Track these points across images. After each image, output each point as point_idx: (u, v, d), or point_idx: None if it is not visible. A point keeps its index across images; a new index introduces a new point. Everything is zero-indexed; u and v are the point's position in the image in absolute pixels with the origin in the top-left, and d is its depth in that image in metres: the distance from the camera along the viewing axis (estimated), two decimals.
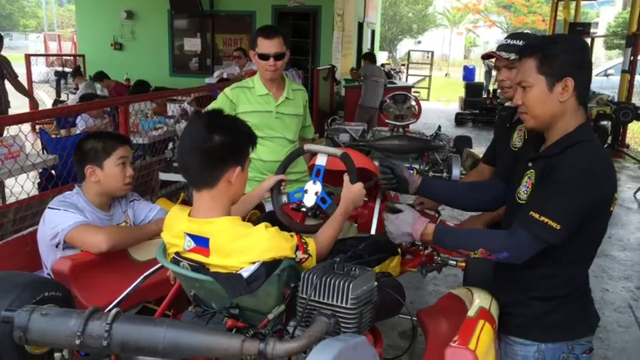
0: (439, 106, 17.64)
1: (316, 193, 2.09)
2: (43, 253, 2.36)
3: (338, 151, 2.07)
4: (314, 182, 2.10)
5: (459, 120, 13.46)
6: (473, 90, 14.92)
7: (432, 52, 22.37)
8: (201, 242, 1.58)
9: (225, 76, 7.86)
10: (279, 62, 2.92)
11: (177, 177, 4.34)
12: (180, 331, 1.41)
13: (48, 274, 2.33)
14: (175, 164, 4.31)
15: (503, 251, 1.66)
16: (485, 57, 2.53)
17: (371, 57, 10.03)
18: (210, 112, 1.67)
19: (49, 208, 2.30)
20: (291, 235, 1.66)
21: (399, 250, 2.27)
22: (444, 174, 4.23)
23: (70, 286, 1.96)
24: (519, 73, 1.74)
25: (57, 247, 2.26)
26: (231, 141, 1.60)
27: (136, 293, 2.02)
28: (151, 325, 1.42)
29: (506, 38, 2.46)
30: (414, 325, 1.78)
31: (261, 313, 1.62)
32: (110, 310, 1.43)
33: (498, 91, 2.58)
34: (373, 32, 17.56)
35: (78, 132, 5.51)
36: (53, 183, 3.88)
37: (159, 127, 6.05)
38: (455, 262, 2.25)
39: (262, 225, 1.60)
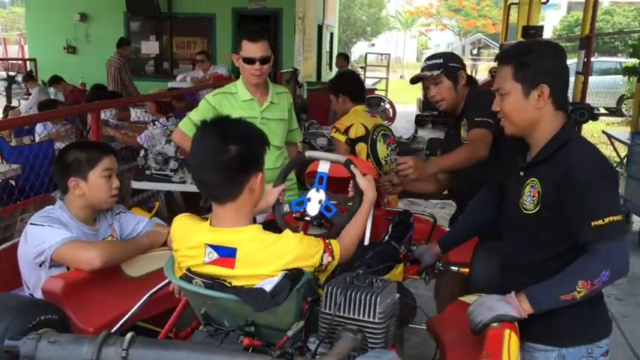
0: (398, 107, 17.78)
1: (320, 202, 2.04)
2: (24, 272, 2.21)
3: (342, 158, 2.03)
4: (317, 190, 2.05)
5: (419, 121, 13.60)
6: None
7: (389, 55, 22.58)
8: (227, 253, 1.51)
9: (188, 80, 7.69)
10: (264, 66, 2.85)
11: (151, 185, 4.19)
12: (203, 354, 1.32)
13: (30, 294, 2.19)
14: (148, 172, 4.16)
15: (602, 271, 1.58)
16: (414, 81, 2.77)
17: (347, 58, 10.01)
18: (220, 121, 1.59)
19: (32, 224, 2.16)
20: (318, 240, 1.61)
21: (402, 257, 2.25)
22: None
23: (63, 307, 1.83)
24: (496, 79, 1.77)
25: (41, 265, 2.12)
26: (248, 148, 1.53)
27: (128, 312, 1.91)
28: (171, 350, 1.33)
29: (425, 60, 2.75)
30: (437, 335, 1.74)
31: (279, 330, 1.55)
32: (125, 335, 1.34)
33: None
34: (332, 35, 17.60)
35: (38, 139, 5.27)
36: (10, 194, 3.66)
37: (124, 132, 5.86)
38: (457, 268, 2.23)
39: (288, 231, 1.55)
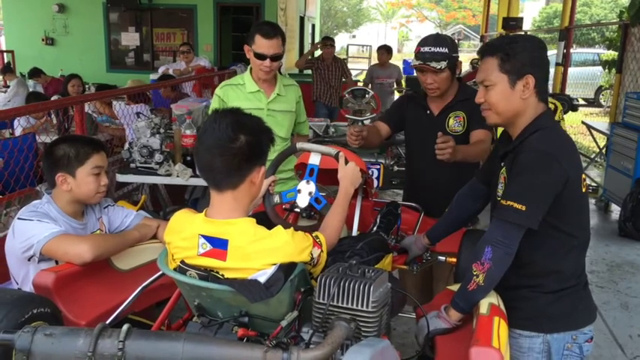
0: None
1: (310, 193, 2.05)
2: (12, 267, 2.20)
3: (332, 150, 2.04)
4: (307, 182, 2.06)
5: None
6: (413, 83, 15.14)
7: (370, 47, 22.58)
8: (219, 244, 1.52)
9: (170, 71, 7.61)
10: (275, 63, 2.86)
11: (136, 178, 4.15)
12: (199, 344, 1.34)
13: (19, 289, 2.18)
14: (133, 165, 4.13)
15: (484, 248, 1.64)
16: (417, 69, 2.61)
17: (390, 50, 9.40)
18: (235, 111, 1.61)
19: (19, 218, 2.14)
20: (307, 235, 1.63)
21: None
22: None
23: (55, 301, 1.82)
24: (481, 71, 1.79)
25: (29, 260, 2.11)
26: (257, 140, 1.56)
27: (120, 305, 1.91)
28: (167, 340, 1.35)
29: (427, 45, 2.55)
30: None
31: (272, 321, 1.57)
32: (121, 326, 1.35)
33: None
34: (313, 27, 17.54)
35: (19, 132, 5.20)
36: None
37: (106, 125, 5.80)
38: (444, 258, 2.26)
39: (280, 227, 1.57)
